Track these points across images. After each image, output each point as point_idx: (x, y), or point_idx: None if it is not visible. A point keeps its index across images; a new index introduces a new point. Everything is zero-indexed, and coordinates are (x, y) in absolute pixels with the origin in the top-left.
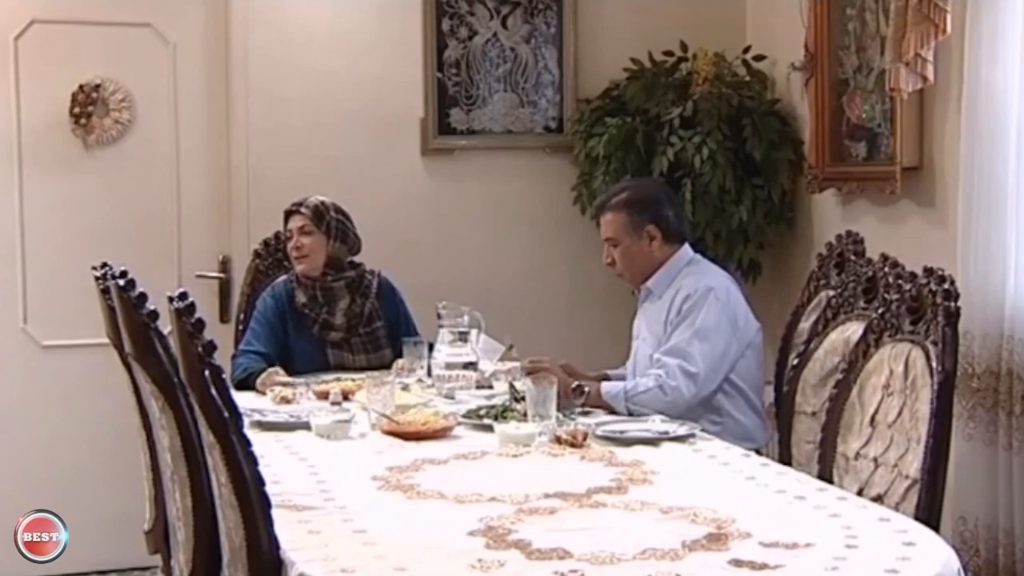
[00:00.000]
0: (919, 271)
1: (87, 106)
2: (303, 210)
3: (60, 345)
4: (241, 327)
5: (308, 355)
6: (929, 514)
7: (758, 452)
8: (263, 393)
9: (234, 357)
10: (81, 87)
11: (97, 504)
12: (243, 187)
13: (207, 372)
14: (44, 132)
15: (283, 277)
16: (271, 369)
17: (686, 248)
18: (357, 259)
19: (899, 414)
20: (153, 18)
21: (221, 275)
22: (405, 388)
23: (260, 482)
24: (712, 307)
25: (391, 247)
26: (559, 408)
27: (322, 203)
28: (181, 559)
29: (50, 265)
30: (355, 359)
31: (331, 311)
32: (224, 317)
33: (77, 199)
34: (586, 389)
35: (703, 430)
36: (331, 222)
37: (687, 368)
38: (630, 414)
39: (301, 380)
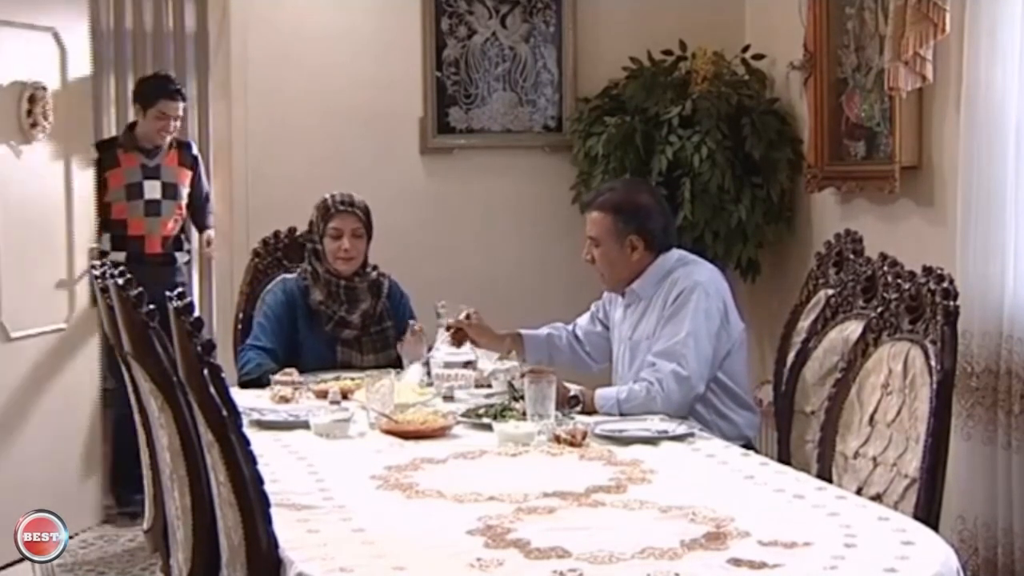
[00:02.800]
0: (918, 270)
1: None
2: (357, 212)
3: (29, 335)
4: (240, 326)
5: (317, 352)
6: (928, 513)
7: (752, 447)
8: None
9: (241, 351)
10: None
11: None
12: (242, 185)
13: (206, 371)
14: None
15: (294, 274)
16: (288, 370)
17: (672, 252)
18: None
19: (898, 413)
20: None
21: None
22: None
23: (259, 481)
24: (701, 302)
25: (390, 246)
26: (557, 408)
27: (364, 203)
28: (180, 558)
29: (19, 256)
30: (364, 359)
31: (350, 310)
32: None
33: (37, 189)
34: (580, 399)
35: (701, 429)
36: (371, 223)
37: (680, 372)
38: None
39: (311, 378)
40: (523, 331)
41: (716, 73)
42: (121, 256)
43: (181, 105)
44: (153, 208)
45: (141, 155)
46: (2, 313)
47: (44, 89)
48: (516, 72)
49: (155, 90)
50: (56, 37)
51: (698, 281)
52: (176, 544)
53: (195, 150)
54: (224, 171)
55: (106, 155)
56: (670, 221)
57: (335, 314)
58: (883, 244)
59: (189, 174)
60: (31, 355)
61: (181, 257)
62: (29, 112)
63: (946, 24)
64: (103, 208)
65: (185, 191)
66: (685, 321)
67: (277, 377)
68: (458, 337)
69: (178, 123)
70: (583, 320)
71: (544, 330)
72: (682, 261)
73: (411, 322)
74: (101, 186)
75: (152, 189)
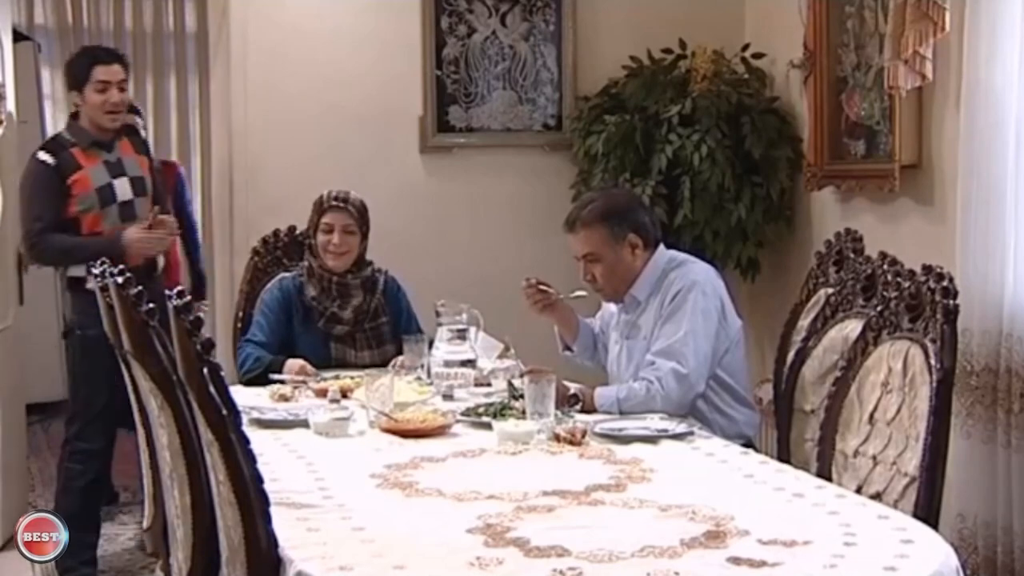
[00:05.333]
0: (918, 269)
1: None
2: (350, 208)
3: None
4: (240, 325)
5: (312, 349)
6: (928, 512)
7: (752, 445)
8: (283, 382)
9: (239, 348)
10: None
11: None
12: (242, 185)
13: (205, 370)
14: None
15: (292, 272)
16: (293, 361)
17: (661, 249)
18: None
19: (898, 411)
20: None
21: None
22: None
23: (258, 480)
24: (699, 301)
25: (390, 245)
26: (557, 406)
27: (361, 201)
28: (180, 557)
29: None
30: (358, 355)
31: (342, 306)
32: None
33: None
34: (580, 398)
35: (700, 427)
36: (368, 222)
37: (679, 371)
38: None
39: (330, 374)
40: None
41: (716, 72)
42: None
43: (120, 69)
44: (128, 211)
45: (100, 150)
46: None
47: (2, 86)
48: (516, 71)
49: (85, 60)
50: None
51: (695, 280)
52: (176, 543)
53: (143, 133)
54: (224, 170)
55: (61, 159)
56: (653, 213)
57: (327, 310)
58: (883, 243)
59: (147, 163)
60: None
61: (162, 262)
62: None
63: (946, 23)
64: (65, 225)
65: (150, 183)
66: (683, 320)
67: (287, 376)
68: (544, 303)
69: (125, 96)
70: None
71: (591, 321)
72: (675, 261)
73: (405, 337)
74: (61, 198)
75: (123, 188)
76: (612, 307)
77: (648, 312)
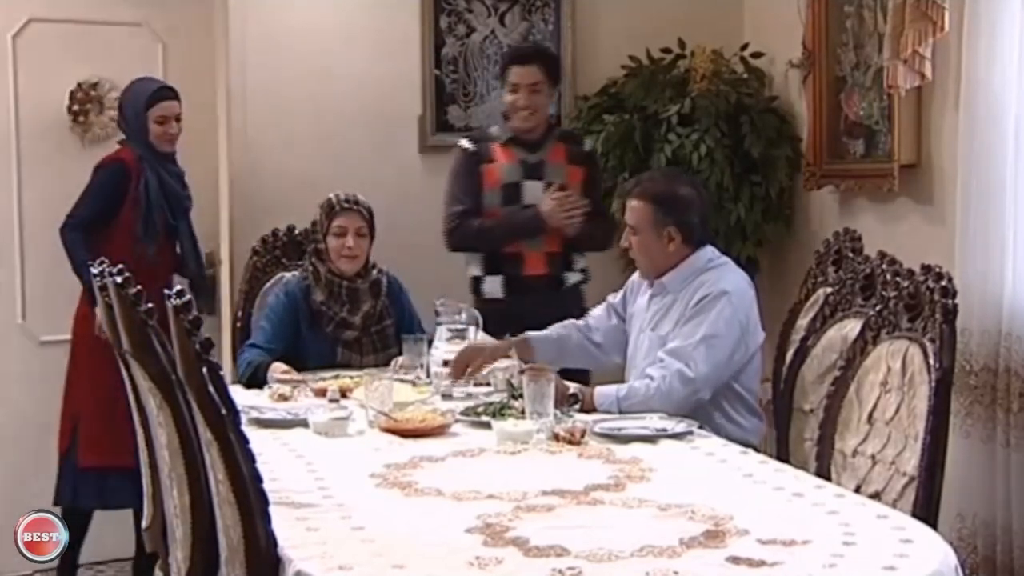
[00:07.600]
0: (917, 268)
1: (85, 104)
2: (361, 210)
3: (58, 340)
4: (239, 324)
5: (318, 353)
6: (927, 511)
7: (754, 448)
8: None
9: (240, 352)
10: (79, 85)
11: None
12: (241, 184)
13: (205, 369)
14: (42, 130)
15: (294, 274)
16: (276, 364)
17: (706, 249)
18: None
19: (897, 411)
20: (148, 17)
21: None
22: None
23: (258, 479)
24: (725, 310)
25: (389, 245)
26: (556, 406)
27: (368, 203)
28: (179, 556)
29: (48, 261)
30: (363, 360)
31: (352, 311)
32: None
33: (75, 196)
34: (579, 397)
35: (700, 427)
36: (375, 223)
37: (686, 374)
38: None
39: (310, 376)
40: (531, 334)
41: (715, 71)
42: (497, 281)
43: (535, 70)
44: None
45: (521, 149)
46: (27, 317)
47: (102, 88)
48: None
49: (504, 60)
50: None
51: (725, 289)
52: (175, 542)
53: (588, 146)
54: (223, 169)
55: (480, 147)
56: (709, 214)
57: (336, 315)
58: (882, 242)
59: (581, 174)
60: (60, 359)
61: (570, 277)
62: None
63: (945, 22)
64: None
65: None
66: (703, 325)
67: (277, 376)
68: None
69: (535, 98)
70: (598, 311)
71: (554, 331)
72: (712, 263)
73: (405, 337)
74: (479, 185)
75: (533, 192)
76: (643, 298)
77: (675, 308)
